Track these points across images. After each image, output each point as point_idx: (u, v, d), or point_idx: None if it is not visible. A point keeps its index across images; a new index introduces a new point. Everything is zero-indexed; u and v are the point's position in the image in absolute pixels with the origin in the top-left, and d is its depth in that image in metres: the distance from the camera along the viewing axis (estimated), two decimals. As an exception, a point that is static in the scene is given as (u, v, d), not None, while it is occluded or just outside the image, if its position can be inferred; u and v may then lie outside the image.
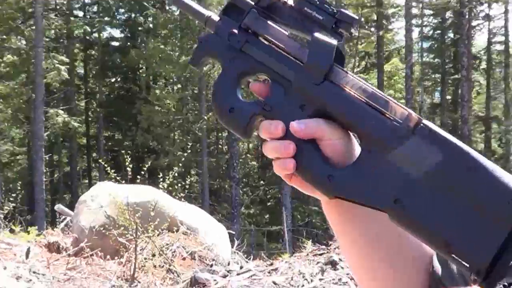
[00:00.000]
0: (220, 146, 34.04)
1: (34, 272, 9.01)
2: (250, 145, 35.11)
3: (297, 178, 1.14)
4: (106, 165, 10.56)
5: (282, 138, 1.12)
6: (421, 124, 1.05)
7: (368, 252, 1.21)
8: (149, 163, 12.44)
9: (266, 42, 1.18)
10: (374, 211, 1.06)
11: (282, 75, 1.15)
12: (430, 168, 1.02)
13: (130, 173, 10.60)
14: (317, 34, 1.13)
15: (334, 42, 1.13)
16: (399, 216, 1.03)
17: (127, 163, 10.56)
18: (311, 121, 1.11)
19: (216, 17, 1.23)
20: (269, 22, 1.19)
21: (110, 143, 35.39)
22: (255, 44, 1.18)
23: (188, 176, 15.75)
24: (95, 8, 35.28)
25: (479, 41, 38.67)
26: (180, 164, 12.74)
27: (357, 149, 1.13)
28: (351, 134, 1.14)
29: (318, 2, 1.15)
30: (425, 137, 1.04)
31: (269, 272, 7.28)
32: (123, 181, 10.41)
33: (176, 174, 11.31)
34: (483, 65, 37.93)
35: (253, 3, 1.20)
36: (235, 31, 1.19)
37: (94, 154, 35.49)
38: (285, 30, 1.19)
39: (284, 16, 1.18)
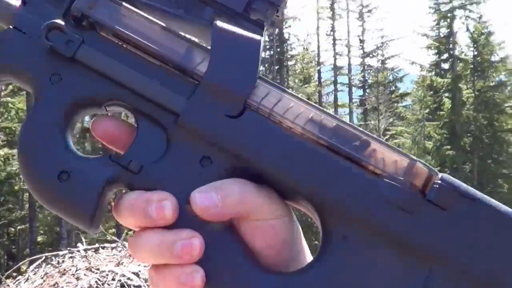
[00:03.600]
0: None
1: None
2: None
3: None
4: None
5: (172, 224, 0.62)
6: (438, 182, 0.61)
7: None
8: None
9: (119, 42, 0.67)
10: None
11: (158, 103, 0.65)
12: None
13: None
14: (221, 24, 0.65)
15: (256, 37, 0.65)
16: None
17: None
18: (230, 185, 0.62)
19: (15, 0, 0.69)
20: (123, 3, 0.68)
21: None
22: (101, 47, 0.67)
23: None
24: None
25: None
26: None
27: (301, 237, 0.68)
28: (291, 208, 0.67)
29: None
30: (448, 204, 0.60)
31: None
32: None
33: None
34: None
35: None
36: (60, 22, 0.66)
37: None
38: (154, 18, 0.68)
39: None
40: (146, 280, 7.80)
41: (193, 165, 0.62)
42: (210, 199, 0.60)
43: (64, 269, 7.97)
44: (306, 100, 0.64)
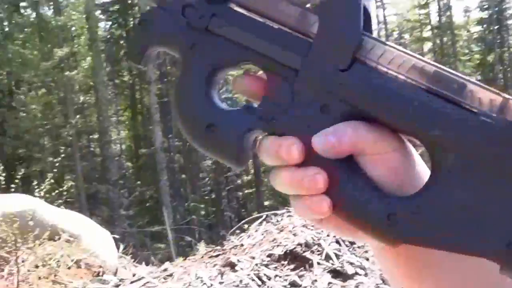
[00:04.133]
0: (92, 149, 33.17)
1: None
2: (123, 146, 34.47)
3: (332, 220, 0.76)
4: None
5: (301, 163, 0.74)
6: None
7: None
8: (22, 170, 11.81)
9: (244, 12, 0.78)
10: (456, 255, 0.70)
11: (281, 62, 0.76)
12: None
13: (3, 183, 10.04)
14: None
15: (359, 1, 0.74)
16: None
17: (-1, 172, 9.96)
18: (343, 128, 0.72)
19: None
20: None
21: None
22: (229, 17, 0.78)
23: (64, 182, 15.14)
24: None
25: None
26: (55, 170, 12.21)
27: (420, 164, 0.78)
28: (405, 140, 0.76)
29: None
30: None
31: (164, 278, 6.98)
32: (-1, 191, 9.90)
33: (52, 181, 10.85)
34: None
35: None
36: (191, 0, 0.79)
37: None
38: None
39: None
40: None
41: (314, 112, 0.74)
42: (328, 141, 0.71)
43: (282, 226, 8.30)
44: (405, 50, 0.72)
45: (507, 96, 0.68)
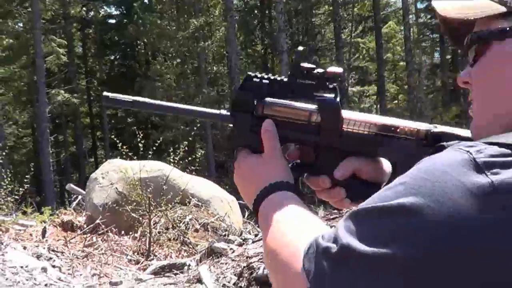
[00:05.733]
0: (223, 118, 33.52)
1: (53, 251, 9.18)
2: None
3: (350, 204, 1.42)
4: (118, 141, 10.55)
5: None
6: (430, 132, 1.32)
7: None
8: (161, 139, 12.41)
9: (284, 119, 1.38)
10: None
11: (308, 140, 1.38)
12: None
13: (141, 149, 10.67)
14: (319, 98, 1.36)
15: (336, 99, 1.34)
16: None
17: (139, 139, 10.59)
18: (345, 165, 1.38)
19: (226, 112, 1.43)
20: (277, 101, 1.39)
21: (113, 121, 35.37)
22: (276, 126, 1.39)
23: (195, 150, 15.66)
24: (90, -13, 34.98)
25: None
26: (190, 138, 12.69)
27: (387, 165, 1.40)
28: (378, 158, 1.39)
29: (306, 72, 1.36)
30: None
31: (286, 239, 7.34)
32: (135, 157, 10.49)
33: (187, 148, 11.37)
34: (480, 22, 37.60)
35: (254, 95, 1.39)
36: (254, 122, 1.39)
37: (99, 133, 35.54)
38: (293, 103, 1.39)
39: (283, 93, 1.38)
40: None
41: (330, 159, 1.38)
42: (339, 173, 1.37)
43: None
44: (367, 115, 1.37)
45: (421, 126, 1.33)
